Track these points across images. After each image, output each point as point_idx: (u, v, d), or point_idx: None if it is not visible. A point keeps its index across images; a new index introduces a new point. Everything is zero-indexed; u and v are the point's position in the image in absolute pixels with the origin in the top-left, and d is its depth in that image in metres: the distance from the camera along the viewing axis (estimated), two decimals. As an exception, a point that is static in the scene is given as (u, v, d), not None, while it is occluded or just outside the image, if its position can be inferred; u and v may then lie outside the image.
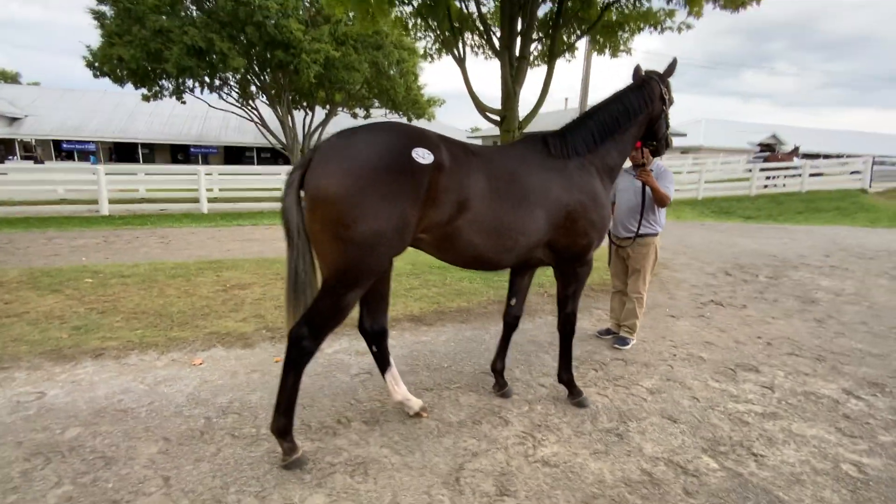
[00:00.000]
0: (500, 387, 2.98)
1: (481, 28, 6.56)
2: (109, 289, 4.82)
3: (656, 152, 3.15)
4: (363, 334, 2.64)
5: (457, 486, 2.16)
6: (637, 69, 2.87)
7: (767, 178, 16.69)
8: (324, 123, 23.58)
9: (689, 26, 7.35)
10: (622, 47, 8.19)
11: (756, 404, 2.96)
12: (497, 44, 6.06)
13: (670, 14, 7.33)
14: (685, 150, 30.08)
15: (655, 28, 7.45)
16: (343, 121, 27.52)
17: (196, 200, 11.89)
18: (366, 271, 2.10)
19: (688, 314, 4.63)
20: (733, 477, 2.28)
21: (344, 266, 2.06)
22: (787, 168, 16.82)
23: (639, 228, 3.55)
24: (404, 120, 23.95)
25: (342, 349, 3.58)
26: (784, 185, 16.43)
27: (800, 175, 16.22)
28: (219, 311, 4.25)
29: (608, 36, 7.86)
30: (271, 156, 29.82)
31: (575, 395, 2.88)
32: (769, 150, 25.12)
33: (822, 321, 4.50)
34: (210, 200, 12.06)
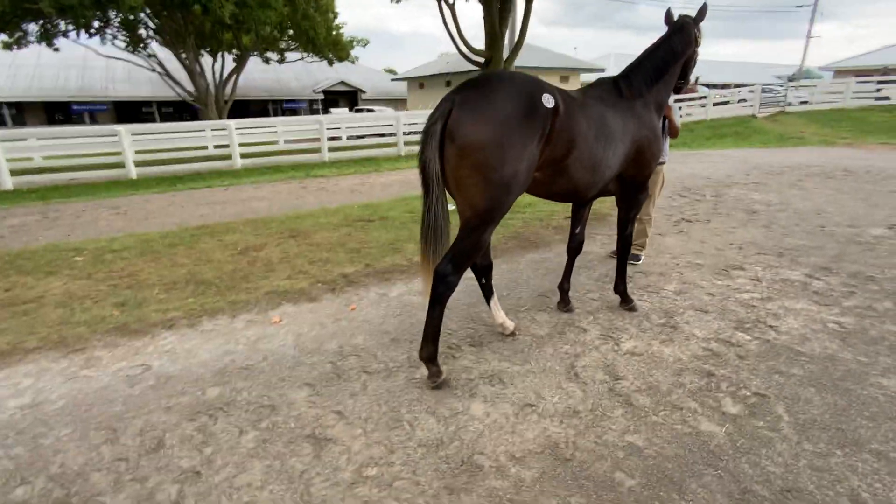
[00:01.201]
0: (565, 304, 3.48)
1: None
2: (111, 264, 4.51)
3: (678, 89, 3.62)
4: (472, 269, 2.95)
5: (578, 379, 2.66)
6: (669, 12, 3.26)
7: (679, 108, 18.39)
8: (237, 70, 21.38)
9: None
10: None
11: (754, 293, 3.77)
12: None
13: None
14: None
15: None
16: (256, 66, 25.06)
17: (121, 165, 10.68)
18: (503, 208, 2.39)
19: (669, 231, 5.44)
20: (763, 343, 3.03)
21: (489, 205, 2.33)
22: (699, 98, 18.57)
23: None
24: (325, 63, 22.48)
25: (406, 291, 3.84)
26: (689, 115, 18.23)
27: (704, 105, 18.09)
28: (256, 273, 4.23)
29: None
30: (174, 110, 26.61)
31: (628, 302, 3.47)
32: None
33: (768, 226, 5.53)
34: (138, 164, 10.87)
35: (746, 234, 5.25)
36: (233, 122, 11.55)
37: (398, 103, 28.05)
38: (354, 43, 22.08)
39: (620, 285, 3.46)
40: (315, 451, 2.13)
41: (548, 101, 2.35)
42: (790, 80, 36.98)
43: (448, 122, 2.25)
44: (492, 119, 2.21)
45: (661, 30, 3.22)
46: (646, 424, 2.29)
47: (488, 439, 2.20)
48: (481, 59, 5.90)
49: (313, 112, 30.01)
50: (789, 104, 18.90)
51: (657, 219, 5.93)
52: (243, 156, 11.85)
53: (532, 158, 2.35)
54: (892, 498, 1.86)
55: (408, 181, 9.12)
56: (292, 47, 22.08)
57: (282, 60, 22.99)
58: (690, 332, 3.16)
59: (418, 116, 14.78)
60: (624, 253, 3.38)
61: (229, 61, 21.46)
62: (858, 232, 5.21)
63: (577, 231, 3.35)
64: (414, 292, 3.84)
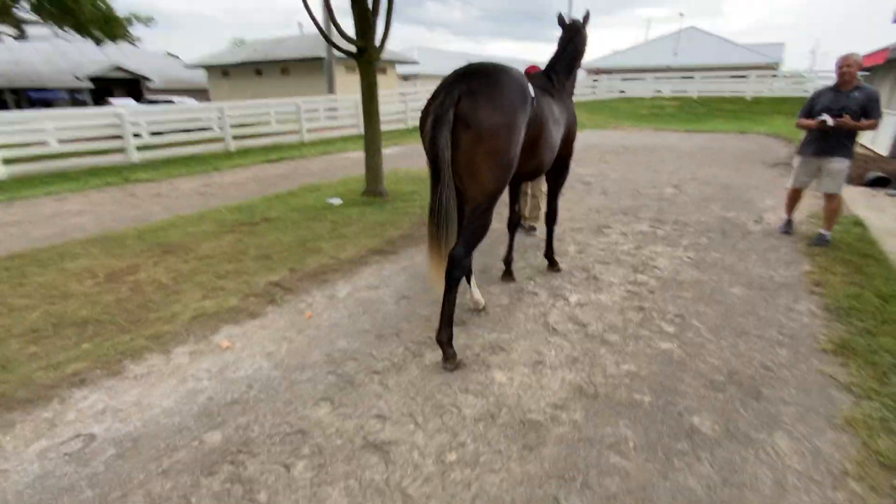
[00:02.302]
0: (510, 274, 3.87)
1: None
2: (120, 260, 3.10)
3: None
4: None
5: (557, 333, 3.07)
6: (561, 16, 3.83)
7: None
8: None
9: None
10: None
11: (627, 244, 4.78)
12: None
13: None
14: (406, 77, 32.98)
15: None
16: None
17: None
18: (504, 188, 2.58)
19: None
20: (658, 280, 3.94)
21: (497, 186, 2.49)
22: None
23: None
24: (91, 43, 18.18)
25: (353, 288, 3.69)
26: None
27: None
28: (156, 300, 3.47)
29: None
30: None
31: (555, 265, 4.04)
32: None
33: (605, 193, 6.93)
34: None
35: (594, 201, 6.49)
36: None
37: (197, 94, 24.30)
38: (134, 19, 18.24)
39: (550, 252, 4.01)
40: (383, 457, 2.03)
41: (531, 89, 2.62)
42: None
43: (458, 109, 2.31)
44: (503, 106, 2.38)
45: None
46: (627, 355, 2.82)
47: (527, 399, 2.42)
48: (353, 49, 5.72)
49: (78, 104, 23.80)
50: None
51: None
52: (5, 161, 8.92)
53: (522, 141, 2.60)
54: (771, 360, 2.76)
55: (262, 178, 8.31)
56: (35, 21, 17.04)
57: (20, 36, 17.57)
58: (609, 281, 3.90)
59: (247, 108, 13.33)
60: (552, 222, 3.92)
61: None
62: (660, 191, 6.96)
63: (517, 208, 3.75)
64: (361, 288, 3.72)
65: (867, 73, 15.03)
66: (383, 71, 23.74)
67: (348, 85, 20.84)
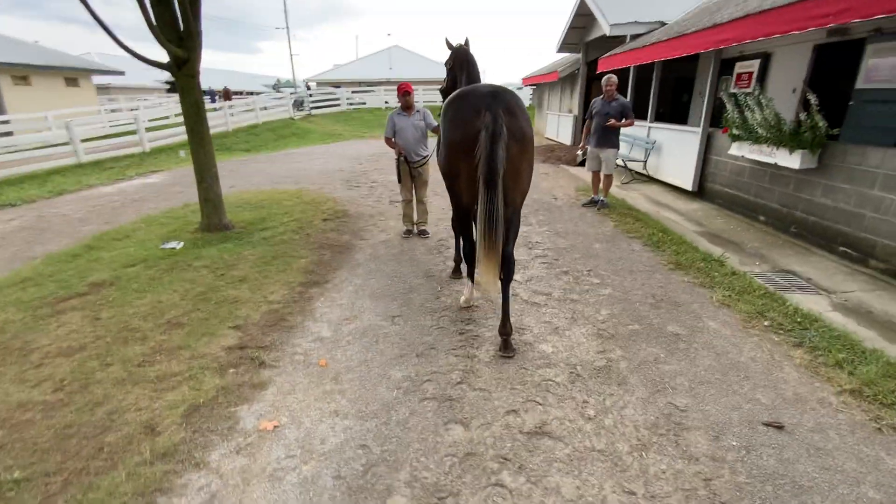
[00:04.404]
0: (460, 272, 4.24)
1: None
2: None
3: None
4: (470, 254, 3.24)
5: (537, 303, 3.69)
6: (447, 40, 4.32)
7: (231, 115, 18.85)
8: None
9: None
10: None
11: (501, 230, 5.75)
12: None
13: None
14: (105, 89, 26.55)
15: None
16: None
17: None
18: None
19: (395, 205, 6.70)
20: (550, 250, 5.00)
21: (530, 188, 2.90)
22: (248, 108, 19.45)
23: (428, 154, 5.20)
24: None
25: (335, 326, 3.35)
26: (246, 121, 19.18)
27: (253, 110, 19.41)
28: (132, 427, 2.35)
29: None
30: None
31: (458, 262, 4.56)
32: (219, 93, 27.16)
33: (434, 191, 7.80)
34: None
35: (444, 202, 7.29)
36: None
37: None
38: None
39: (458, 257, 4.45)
40: (548, 441, 2.26)
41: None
42: (274, 87, 43.91)
43: (505, 126, 2.60)
44: (529, 121, 2.80)
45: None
46: (589, 305, 3.69)
47: (577, 356, 2.98)
48: (167, 60, 4.58)
49: None
50: (312, 108, 23.20)
51: (368, 203, 7.09)
52: None
53: None
54: (659, 283, 4.15)
55: (106, 206, 5.74)
56: None
57: None
58: (522, 260, 4.74)
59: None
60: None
61: None
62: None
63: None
64: (340, 322, 3.43)
65: (536, 88, 20.87)
66: (74, 82, 18.40)
67: (25, 101, 15.40)
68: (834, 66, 5.68)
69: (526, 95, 26.10)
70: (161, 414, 2.41)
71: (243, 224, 5.78)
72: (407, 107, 5.12)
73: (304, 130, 19.17)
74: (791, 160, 5.11)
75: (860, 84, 5.04)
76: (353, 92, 26.76)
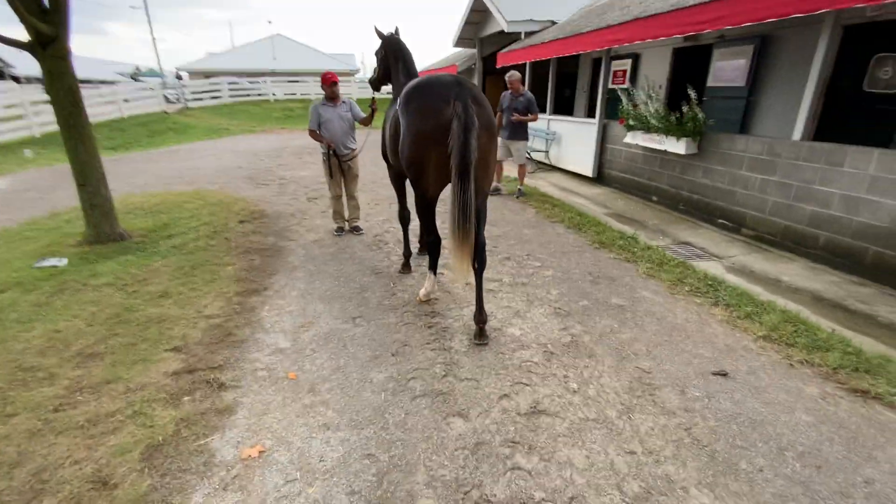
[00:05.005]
0: (410, 267, 4.16)
1: None
2: None
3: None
4: (433, 245, 3.19)
5: (492, 290, 3.79)
6: (376, 29, 4.16)
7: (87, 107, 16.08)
8: None
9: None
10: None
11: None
12: None
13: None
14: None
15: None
16: None
17: None
18: None
19: (320, 205, 6.35)
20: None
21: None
22: (107, 100, 16.69)
23: (358, 147, 4.97)
24: None
25: (291, 337, 3.08)
26: (106, 114, 16.53)
27: (115, 102, 16.80)
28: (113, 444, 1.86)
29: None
30: None
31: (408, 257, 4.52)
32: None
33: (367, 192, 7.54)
34: None
35: (365, 197, 7.04)
36: None
37: None
38: None
39: (407, 251, 4.38)
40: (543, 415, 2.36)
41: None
42: (133, 77, 38.56)
43: (475, 115, 2.59)
44: (492, 110, 2.82)
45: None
46: (539, 287, 3.91)
47: (544, 335, 3.14)
48: (30, 38, 3.68)
49: None
50: (188, 100, 20.72)
51: (285, 200, 6.64)
52: None
53: None
54: (593, 262, 4.54)
55: None
56: None
57: None
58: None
59: None
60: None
61: None
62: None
63: (407, 205, 4.03)
64: (296, 329, 3.17)
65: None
66: None
67: None
68: (690, 67, 6.64)
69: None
70: (109, 463, 2.01)
71: (142, 232, 5.01)
72: (332, 97, 4.85)
73: (184, 125, 17.10)
74: (678, 146, 5.89)
75: (710, 83, 6.00)
76: (249, 82, 24.18)
